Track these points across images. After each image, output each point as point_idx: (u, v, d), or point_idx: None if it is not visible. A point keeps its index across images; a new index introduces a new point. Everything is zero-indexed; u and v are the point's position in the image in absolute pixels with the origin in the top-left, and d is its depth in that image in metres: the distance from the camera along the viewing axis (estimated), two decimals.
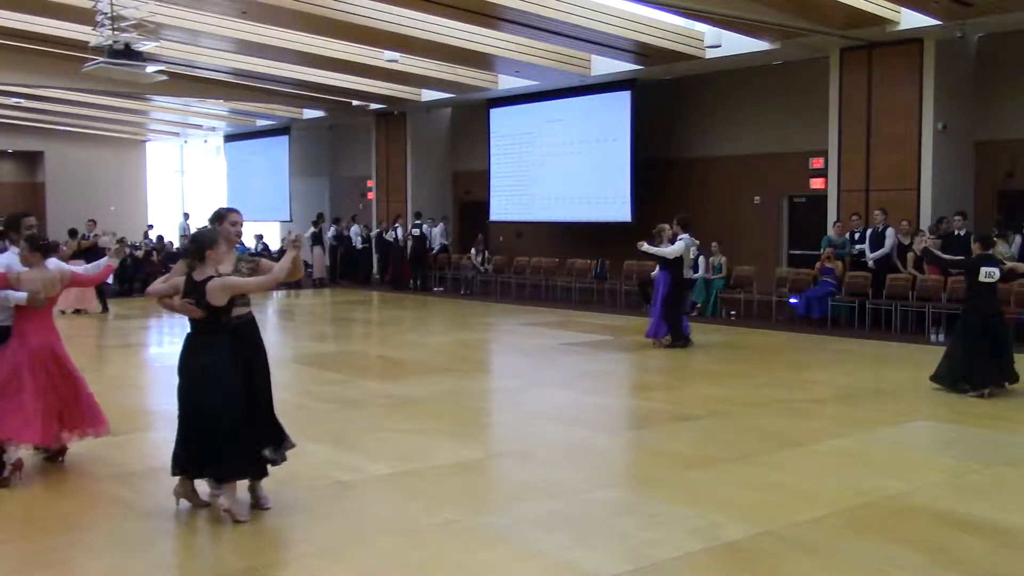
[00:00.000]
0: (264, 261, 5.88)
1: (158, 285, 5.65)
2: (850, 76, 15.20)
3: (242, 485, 5.47)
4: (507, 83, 20.04)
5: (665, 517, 5.41)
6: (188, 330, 5.47)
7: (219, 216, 5.79)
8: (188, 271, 5.37)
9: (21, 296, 6.06)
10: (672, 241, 12.44)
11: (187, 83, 20.51)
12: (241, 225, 5.86)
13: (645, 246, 12.40)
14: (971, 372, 9.05)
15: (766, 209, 17.98)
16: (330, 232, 24.03)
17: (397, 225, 22.75)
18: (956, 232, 13.70)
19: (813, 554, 4.86)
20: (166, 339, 15.30)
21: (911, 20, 13.52)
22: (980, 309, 9.18)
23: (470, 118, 23.41)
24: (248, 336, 5.67)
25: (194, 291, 5.25)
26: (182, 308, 5.34)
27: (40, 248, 6.23)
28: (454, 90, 20.57)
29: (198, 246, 5.31)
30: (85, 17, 13.60)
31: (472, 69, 19.10)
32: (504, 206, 22.04)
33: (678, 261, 12.36)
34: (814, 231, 16.26)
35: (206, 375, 5.24)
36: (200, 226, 5.49)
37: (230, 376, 5.28)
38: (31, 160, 31.14)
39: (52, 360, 6.23)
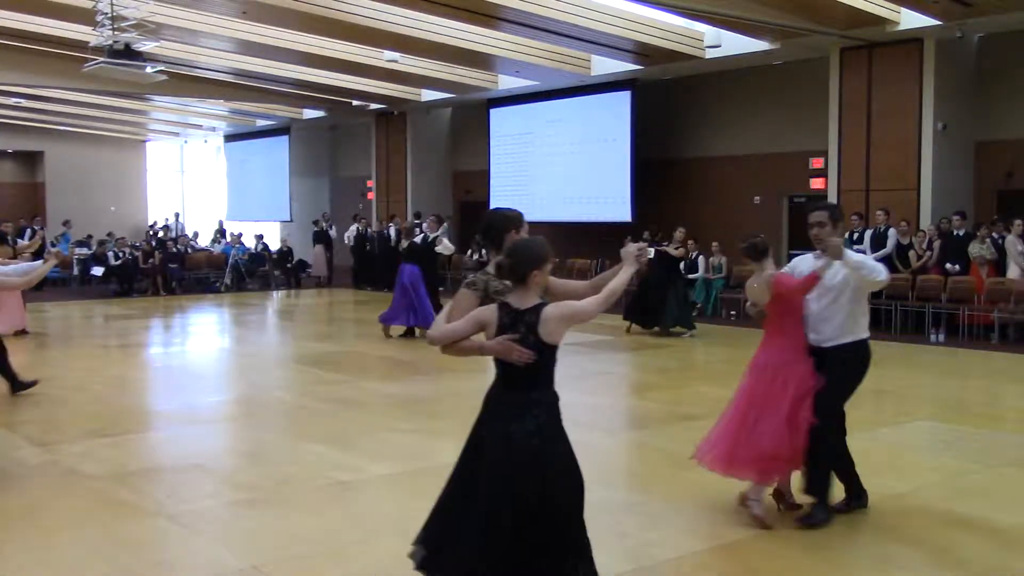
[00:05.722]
0: (552, 279, 4.11)
1: (446, 327, 3.80)
2: (850, 76, 15.20)
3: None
4: (507, 83, 20.04)
5: (665, 517, 5.41)
6: (496, 384, 3.84)
7: (512, 222, 4.22)
8: (487, 297, 3.91)
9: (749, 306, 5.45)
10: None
11: (187, 83, 20.50)
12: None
13: (447, 243, 14.69)
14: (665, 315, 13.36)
15: (766, 209, 17.96)
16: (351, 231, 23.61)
17: (391, 225, 22.66)
18: (955, 232, 13.72)
19: (813, 554, 4.86)
20: (166, 339, 15.31)
21: (911, 20, 13.52)
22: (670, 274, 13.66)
23: (470, 118, 23.40)
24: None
25: (519, 323, 3.69)
26: (501, 349, 3.66)
27: (744, 251, 5.44)
28: (454, 90, 20.56)
29: (520, 263, 3.71)
30: (85, 17, 13.61)
31: (472, 69, 19.10)
32: (504, 206, 21.99)
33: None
34: None
35: (531, 444, 3.64)
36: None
37: (562, 449, 3.74)
38: (31, 160, 31.12)
39: (768, 381, 5.29)
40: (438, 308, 13.42)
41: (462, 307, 3.87)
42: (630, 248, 3.94)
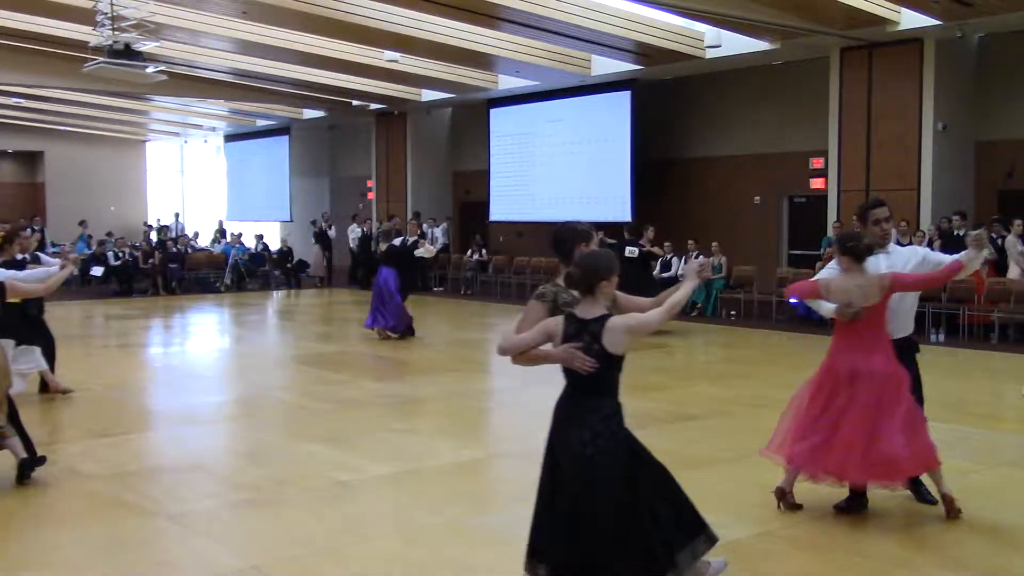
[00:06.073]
0: (620, 295, 4.16)
1: (515, 337, 3.94)
2: (850, 76, 15.20)
3: None
4: (507, 83, 20.03)
5: None
6: (563, 391, 3.95)
7: (583, 235, 4.29)
8: (556, 308, 4.02)
9: (827, 307, 5.31)
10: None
11: (187, 83, 20.50)
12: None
13: (428, 246, 14.59)
14: None
15: (766, 209, 17.97)
16: (355, 233, 23.65)
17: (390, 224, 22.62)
18: (955, 232, 13.72)
19: (813, 554, 4.86)
20: (166, 339, 15.32)
21: (911, 20, 13.52)
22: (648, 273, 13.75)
23: (470, 118, 23.40)
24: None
25: (583, 333, 3.81)
26: (564, 357, 3.79)
27: (852, 252, 5.26)
28: (454, 90, 20.56)
29: (588, 274, 3.84)
30: (85, 17, 13.61)
31: (472, 69, 19.10)
32: (504, 206, 22.04)
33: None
34: (814, 231, 16.26)
35: (583, 453, 3.78)
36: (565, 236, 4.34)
37: (617, 456, 3.82)
38: (31, 160, 31.13)
39: (851, 385, 5.19)
40: (405, 314, 13.27)
41: (531, 318, 4.00)
42: (692, 264, 4.09)
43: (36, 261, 8.75)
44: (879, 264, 5.33)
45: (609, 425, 3.80)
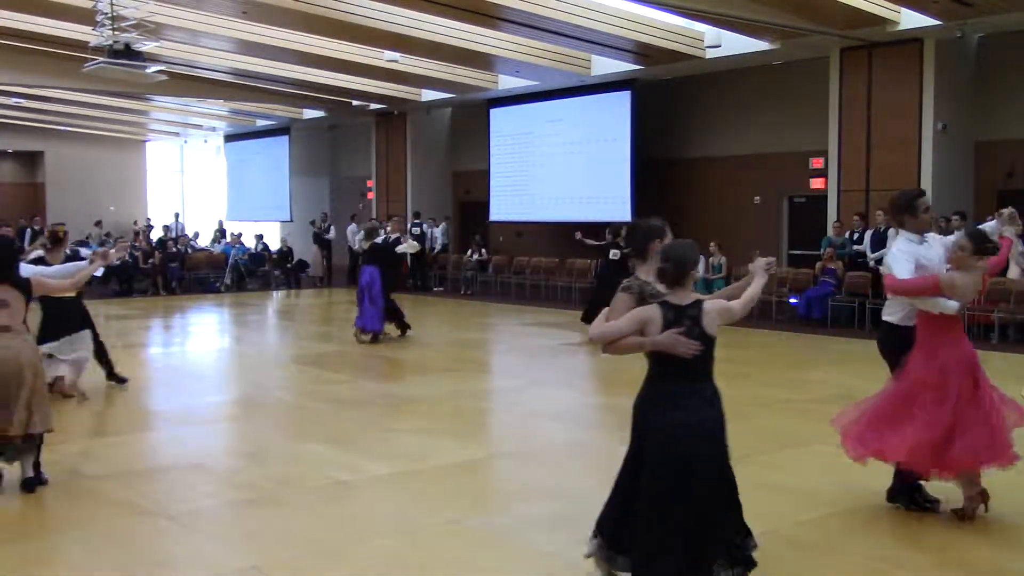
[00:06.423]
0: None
1: (608, 326, 4.06)
2: (850, 76, 15.20)
3: None
4: (507, 83, 20.04)
5: None
6: (650, 381, 4.08)
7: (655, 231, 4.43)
8: (642, 300, 4.14)
9: (952, 306, 5.05)
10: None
11: (187, 83, 20.50)
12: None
13: (412, 242, 14.77)
14: None
15: (766, 209, 17.97)
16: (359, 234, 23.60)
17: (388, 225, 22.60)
18: (955, 232, 13.73)
19: (813, 554, 4.86)
20: (166, 339, 15.32)
21: (911, 20, 13.52)
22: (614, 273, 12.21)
23: (470, 118, 23.41)
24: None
25: (682, 318, 3.94)
26: (669, 343, 3.87)
27: (988, 251, 5.17)
28: (454, 90, 20.56)
29: (679, 265, 3.97)
30: (85, 17, 13.60)
31: (472, 69, 19.10)
32: (504, 206, 22.04)
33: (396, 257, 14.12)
34: (814, 231, 16.26)
35: (683, 435, 3.89)
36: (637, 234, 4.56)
37: (714, 439, 3.98)
38: (31, 160, 31.13)
39: (972, 372, 5.16)
40: (393, 311, 13.20)
41: (620, 309, 4.12)
42: (759, 262, 4.20)
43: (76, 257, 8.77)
44: (919, 253, 5.33)
45: (711, 408, 3.96)
